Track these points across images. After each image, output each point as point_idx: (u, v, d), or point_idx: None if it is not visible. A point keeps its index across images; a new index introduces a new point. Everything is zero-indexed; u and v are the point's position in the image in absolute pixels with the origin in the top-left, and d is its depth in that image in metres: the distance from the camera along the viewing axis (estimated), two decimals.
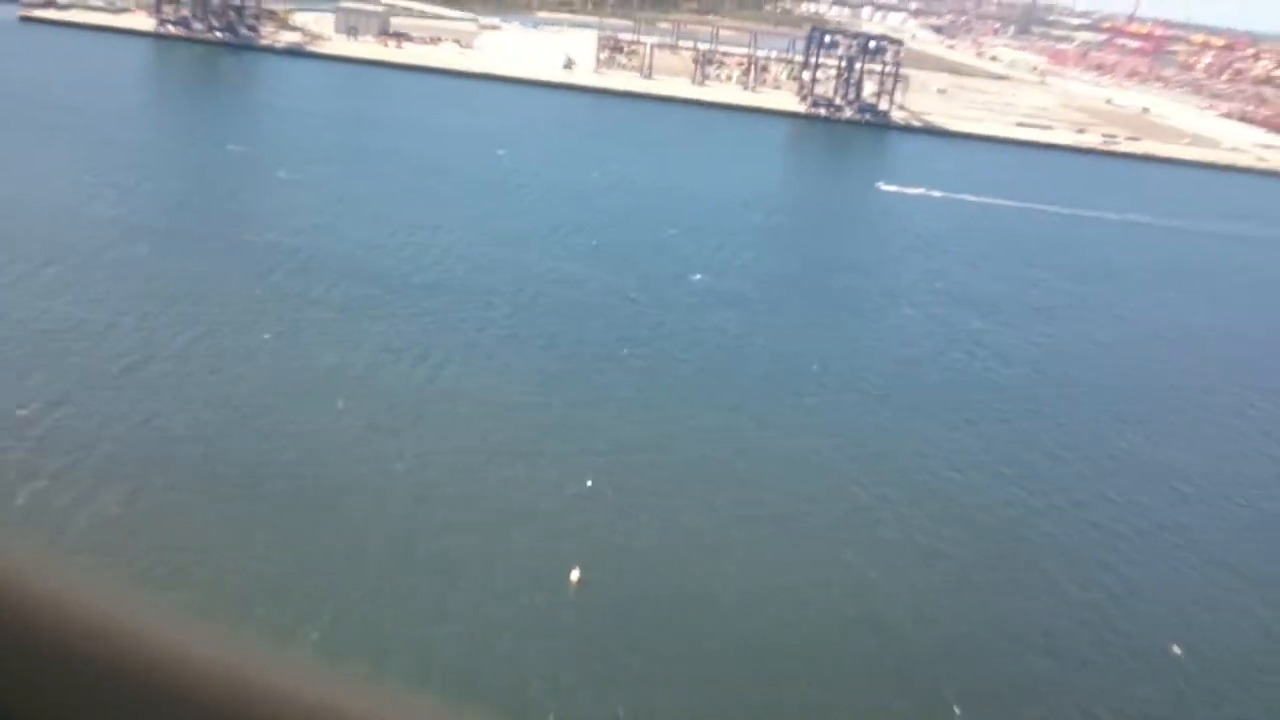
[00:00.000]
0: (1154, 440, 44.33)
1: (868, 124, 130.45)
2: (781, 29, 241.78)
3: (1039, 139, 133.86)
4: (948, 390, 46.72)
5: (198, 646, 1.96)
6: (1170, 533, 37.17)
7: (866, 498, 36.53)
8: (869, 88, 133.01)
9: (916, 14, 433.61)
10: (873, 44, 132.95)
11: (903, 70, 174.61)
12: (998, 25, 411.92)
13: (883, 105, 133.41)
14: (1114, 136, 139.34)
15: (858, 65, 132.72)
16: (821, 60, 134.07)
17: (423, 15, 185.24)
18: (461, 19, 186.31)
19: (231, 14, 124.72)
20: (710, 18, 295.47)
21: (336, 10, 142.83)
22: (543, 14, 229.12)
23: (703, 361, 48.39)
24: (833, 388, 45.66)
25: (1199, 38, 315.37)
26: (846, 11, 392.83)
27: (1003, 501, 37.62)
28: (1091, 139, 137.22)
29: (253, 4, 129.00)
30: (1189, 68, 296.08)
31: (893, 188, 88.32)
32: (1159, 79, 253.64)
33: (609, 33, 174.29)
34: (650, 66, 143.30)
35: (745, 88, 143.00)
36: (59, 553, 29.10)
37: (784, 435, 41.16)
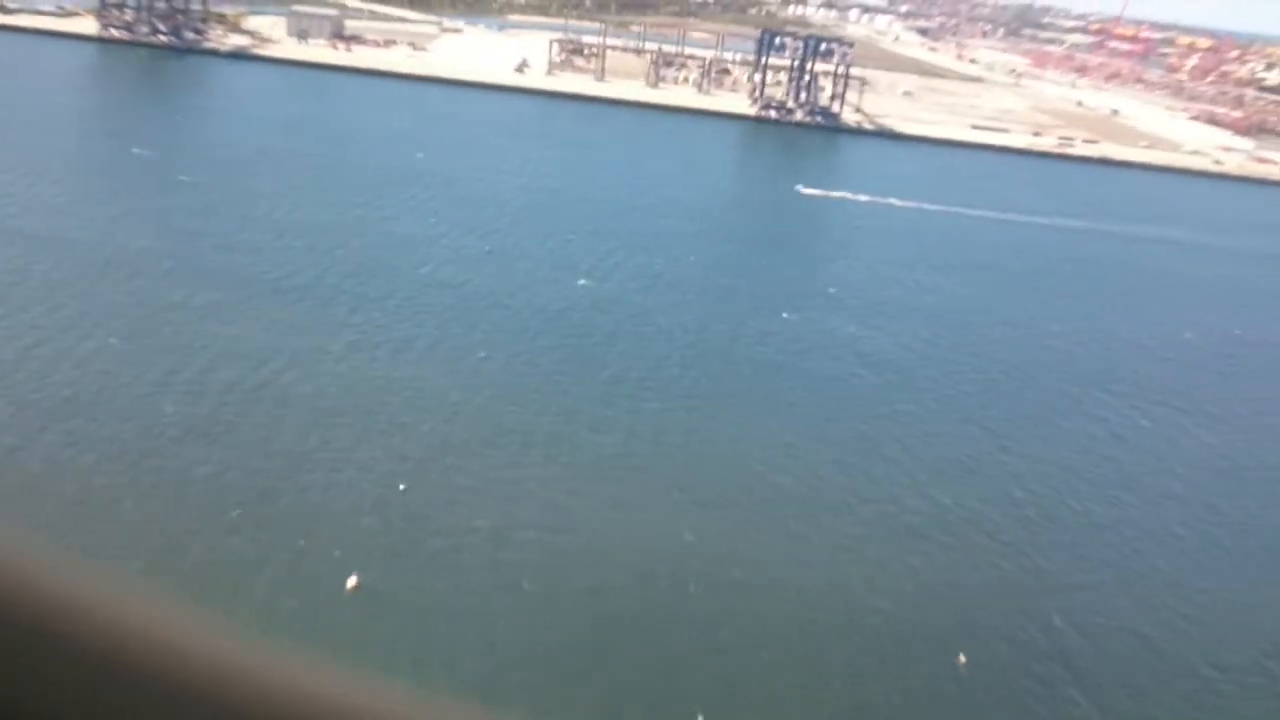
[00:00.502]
0: (988, 438, 43.61)
1: (819, 126, 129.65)
2: (753, 31, 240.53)
3: (993, 142, 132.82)
4: (795, 392, 46.02)
5: (196, 638, 1.98)
6: (965, 525, 36.45)
7: (661, 485, 36.22)
8: (824, 90, 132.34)
9: (906, 16, 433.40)
10: (823, 46, 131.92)
11: (873, 72, 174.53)
12: (988, 27, 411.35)
13: (835, 108, 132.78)
14: (1070, 140, 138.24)
15: (809, 67, 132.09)
16: (775, 62, 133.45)
17: (387, 18, 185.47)
18: (425, 22, 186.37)
19: (177, 18, 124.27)
20: (690, 21, 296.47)
21: (288, 14, 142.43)
22: (514, 17, 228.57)
23: (554, 366, 47.66)
24: (672, 392, 44.97)
25: (1185, 40, 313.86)
26: (834, 14, 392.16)
27: (802, 495, 37.20)
28: (1047, 142, 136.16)
29: (199, 8, 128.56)
30: (1176, 70, 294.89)
31: (814, 191, 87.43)
32: (1140, 81, 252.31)
33: (570, 36, 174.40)
34: (603, 69, 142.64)
35: (700, 90, 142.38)
36: None
37: (600, 435, 40.72)
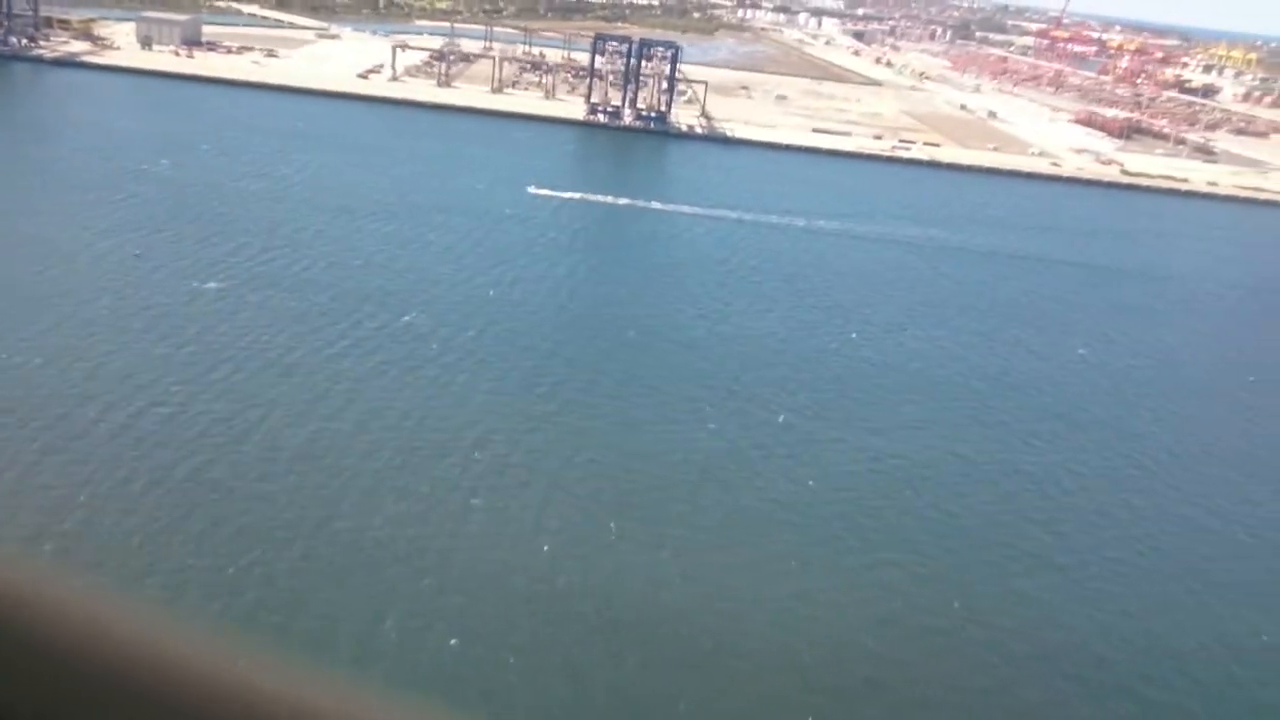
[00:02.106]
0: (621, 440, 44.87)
1: (648, 131, 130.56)
2: (663, 35, 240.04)
3: (824, 145, 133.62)
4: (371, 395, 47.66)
5: (192, 643, 1.97)
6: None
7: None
8: (647, 95, 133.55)
9: (862, 20, 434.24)
10: (653, 50, 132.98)
11: (760, 76, 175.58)
12: (936, 29, 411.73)
13: (670, 112, 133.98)
14: (909, 143, 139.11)
15: (650, 71, 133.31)
16: (615, 67, 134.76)
17: (277, 24, 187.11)
18: (309, 28, 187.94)
19: (4, 23, 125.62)
20: (617, 25, 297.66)
21: (137, 20, 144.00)
22: (422, 22, 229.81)
23: (179, 368, 48.91)
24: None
25: (1115, 42, 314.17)
26: (782, 18, 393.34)
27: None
28: (881, 145, 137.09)
29: (30, 14, 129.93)
30: (1108, 72, 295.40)
31: (545, 192, 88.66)
32: (1052, 84, 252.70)
33: (452, 41, 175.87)
34: (448, 75, 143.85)
35: (548, 96, 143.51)
36: None
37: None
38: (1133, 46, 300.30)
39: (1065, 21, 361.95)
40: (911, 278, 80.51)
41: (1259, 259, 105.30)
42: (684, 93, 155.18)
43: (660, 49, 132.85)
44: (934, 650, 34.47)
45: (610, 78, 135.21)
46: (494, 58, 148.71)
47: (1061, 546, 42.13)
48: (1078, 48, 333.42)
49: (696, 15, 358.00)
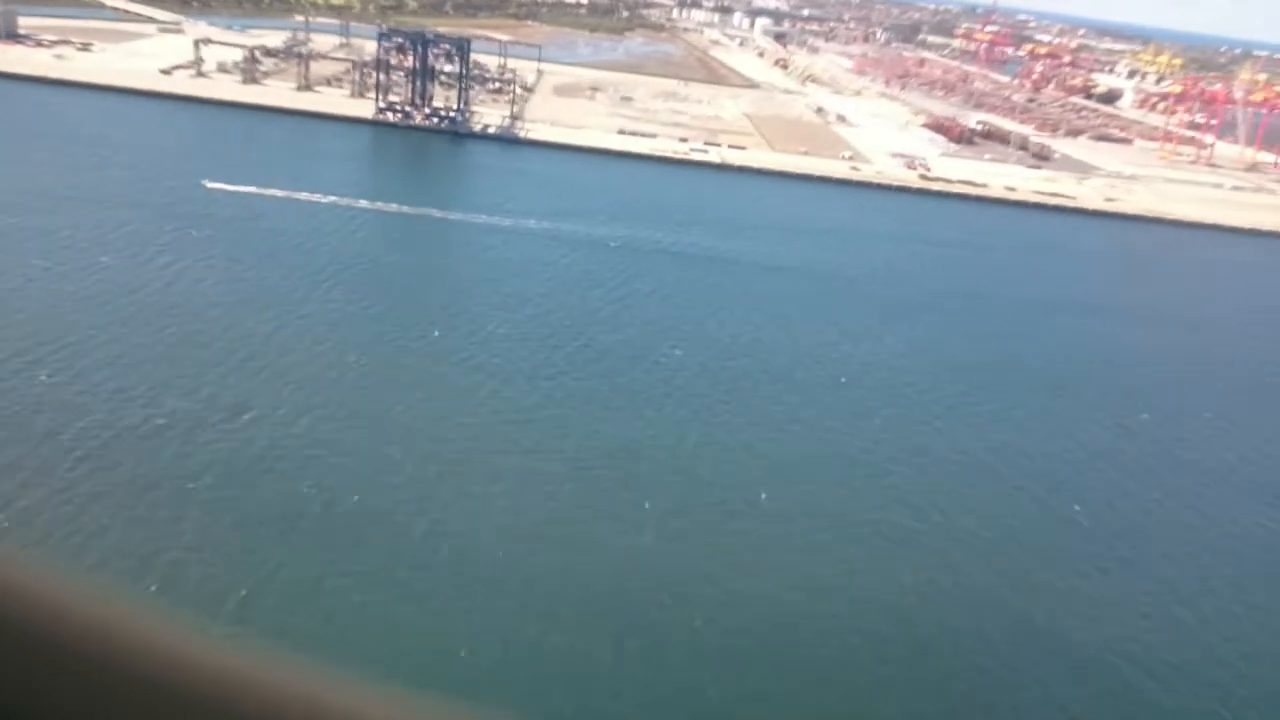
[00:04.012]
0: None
1: (439, 130, 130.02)
2: (554, 32, 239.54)
3: (619, 147, 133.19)
4: None
5: (192, 642, 1.97)
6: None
7: None
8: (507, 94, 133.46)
9: (809, 20, 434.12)
10: (446, 47, 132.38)
11: (617, 75, 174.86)
12: (876, 32, 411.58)
13: (474, 112, 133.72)
14: (710, 146, 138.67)
15: (451, 70, 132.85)
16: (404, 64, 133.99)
17: (125, 16, 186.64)
18: (156, 20, 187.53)
19: None
20: (529, 24, 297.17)
21: None
22: (302, 18, 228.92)
23: None
24: None
25: (1028, 47, 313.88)
26: (716, 18, 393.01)
27: None
28: (680, 147, 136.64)
29: None
30: (1028, 75, 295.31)
31: (222, 186, 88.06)
32: (945, 88, 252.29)
33: (297, 36, 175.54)
34: (254, 74, 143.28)
35: (355, 94, 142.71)
36: None
37: None
38: (1044, 51, 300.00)
39: (993, 27, 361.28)
40: (572, 273, 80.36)
41: (934, 259, 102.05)
42: (505, 92, 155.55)
43: (447, 45, 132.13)
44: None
45: (413, 75, 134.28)
46: (303, 55, 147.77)
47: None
48: (1010, 50, 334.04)
49: (625, 15, 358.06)
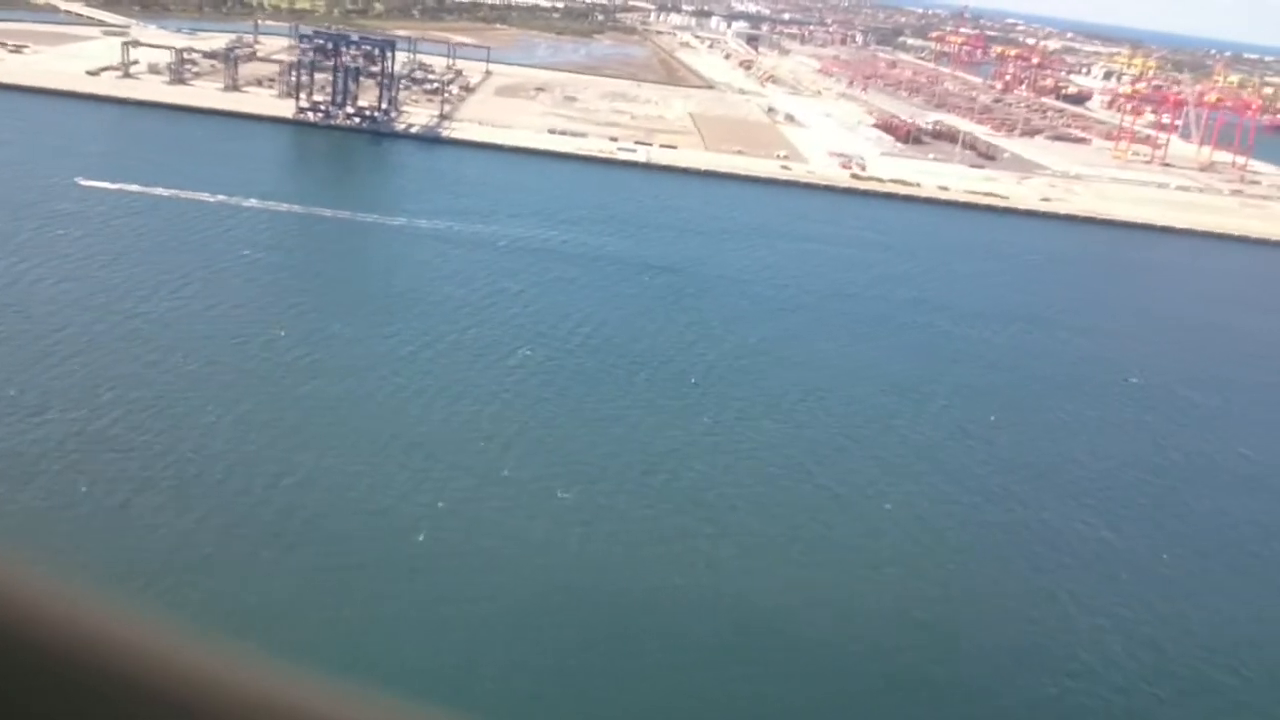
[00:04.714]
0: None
1: (361, 130, 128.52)
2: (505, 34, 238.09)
3: (543, 146, 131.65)
4: None
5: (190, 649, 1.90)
6: None
7: None
8: (372, 95, 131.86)
9: (791, 23, 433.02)
10: (367, 48, 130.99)
11: (572, 75, 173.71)
12: (855, 34, 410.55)
13: (401, 112, 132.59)
14: (638, 146, 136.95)
15: (377, 69, 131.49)
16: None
17: (77, 20, 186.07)
18: (104, 23, 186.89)
19: None
20: (497, 27, 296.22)
21: None
22: (269, 22, 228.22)
23: None
24: None
25: (997, 49, 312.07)
26: (693, 21, 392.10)
27: None
28: (607, 147, 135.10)
29: None
30: (1000, 77, 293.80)
31: (98, 184, 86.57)
32: (910, 89, 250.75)
33: (242, 38, 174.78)
34: (180, 75, 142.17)
35: (280, 95, 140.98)
36: None
37: None
38: (1014, 53, 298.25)
39: (967, 29, 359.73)
40: (441, 272, 78.93)
41: (831, 259, 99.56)
42: (439, 89, 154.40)
43: (368, 46, 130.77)
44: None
45: (338, 76, 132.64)
46: (232, 57, 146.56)
47: None
48: (979, 53, 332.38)
49: (601, 18, 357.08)
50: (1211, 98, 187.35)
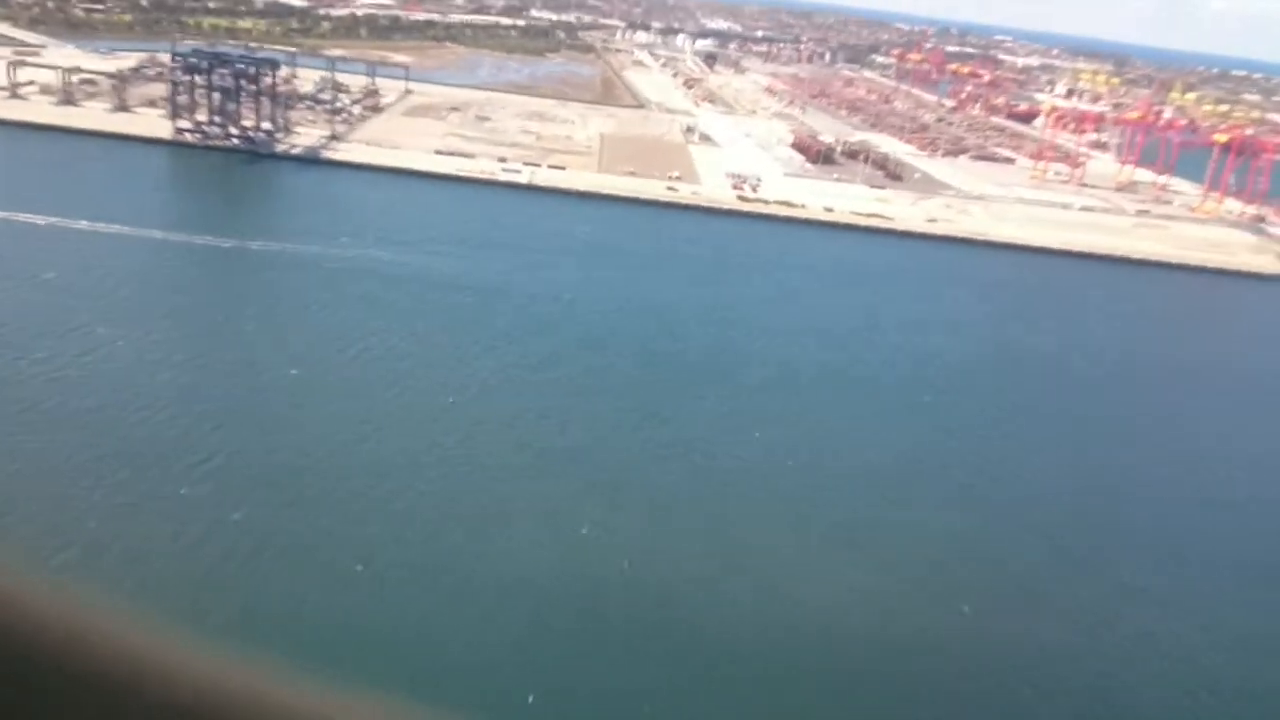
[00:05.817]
0: None
1: (239, 151, 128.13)
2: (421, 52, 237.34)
3: (424, 167, 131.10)
4: None
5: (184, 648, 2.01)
6: None
7: None
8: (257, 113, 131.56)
9: (762, 41, 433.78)
10: (243, 67, 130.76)
11: (503, 95, 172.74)
12: (823, 53, 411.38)
13: (285, 133, 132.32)
14: (521, 167, 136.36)
15: (262, 89, 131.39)
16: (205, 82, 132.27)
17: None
18: (20, 43, 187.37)
19: None
20: (447, 45, 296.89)
21: None
22: (191, 42, 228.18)
23: None
24: None
25: (953, 66, 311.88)
26: (660, 39, 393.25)
27: None
28: (491, 168, 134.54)
29: None
30: (956, 95, 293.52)
31: None
32: (851, 107, 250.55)
33: (151, 57, 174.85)
34: (67, 95, 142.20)
35: (171, 116, 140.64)
36: None
37: None
38: (965, 71, 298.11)
39: (928, 46, 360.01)
40: (252, 292, 78.47)
41: (680, 279, 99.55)
42: (339, 110, 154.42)
43: (247, 64, 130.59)
44: None
45: (216, 96, 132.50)
46: (119, 77, 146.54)
47: None
48: (934, 74, 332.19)
49: (562, 36, 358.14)
50: (1133, 115, 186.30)
